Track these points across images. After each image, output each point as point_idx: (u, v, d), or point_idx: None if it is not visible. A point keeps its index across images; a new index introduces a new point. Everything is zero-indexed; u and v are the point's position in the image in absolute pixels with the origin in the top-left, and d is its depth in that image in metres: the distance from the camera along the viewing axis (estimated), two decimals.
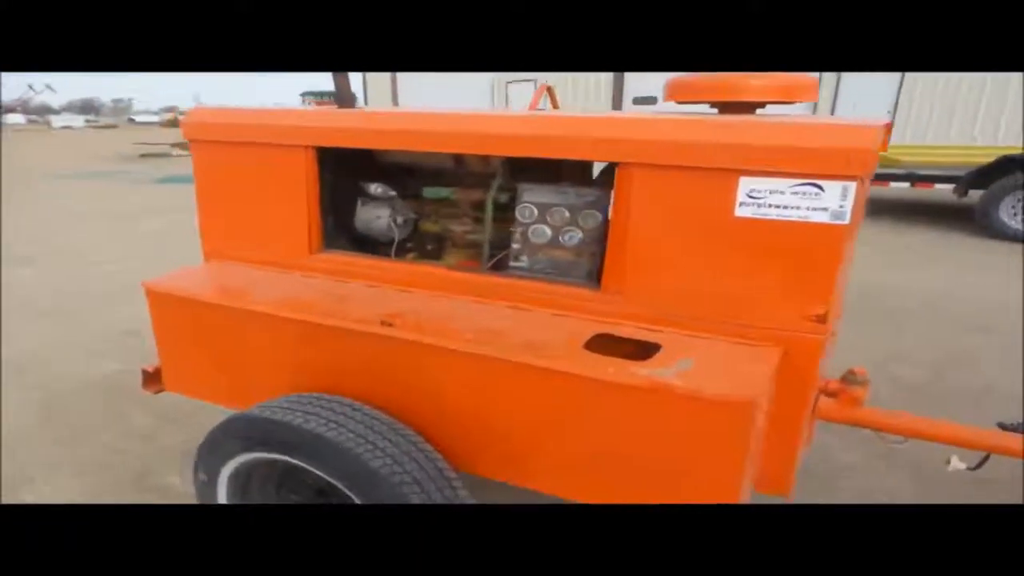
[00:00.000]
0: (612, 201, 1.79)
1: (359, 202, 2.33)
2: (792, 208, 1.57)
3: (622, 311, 1.80)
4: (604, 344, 1.70)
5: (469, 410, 1.74)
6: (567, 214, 1.93)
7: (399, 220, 2.30)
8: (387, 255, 2.27)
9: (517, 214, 2.00)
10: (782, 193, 1.57)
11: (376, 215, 2.29)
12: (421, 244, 2.35)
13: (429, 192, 2.26)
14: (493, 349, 1.66)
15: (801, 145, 1.53)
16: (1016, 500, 2.45)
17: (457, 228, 2.25)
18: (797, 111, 2.00)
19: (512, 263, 2.03)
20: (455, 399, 1.74)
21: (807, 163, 1.53)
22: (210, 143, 2.33)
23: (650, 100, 11.00)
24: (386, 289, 2.11)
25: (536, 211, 1.97)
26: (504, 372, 1.65)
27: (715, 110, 2.10)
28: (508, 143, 1.88)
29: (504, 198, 2.13)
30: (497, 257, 2.09)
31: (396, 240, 2.31)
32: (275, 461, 1.77)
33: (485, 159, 2.17)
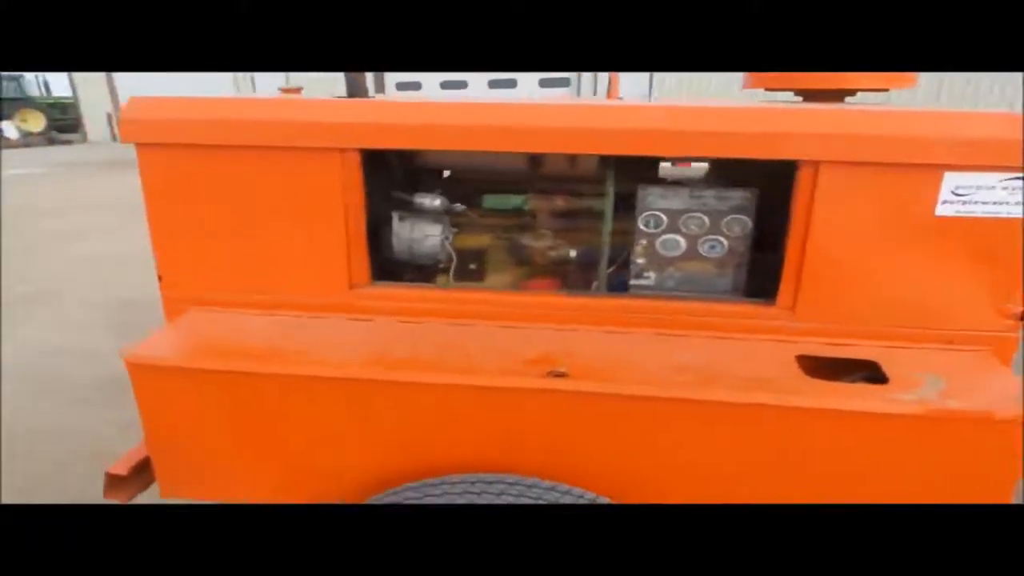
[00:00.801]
0: (791, 202, 1.55)
1: (395, 218, 1.82)
2: (1001, 204, 1.47)
3: (800, 328, 1.59)
4: (810, 368, 1.48)
5: (679, 466, 1.40)
6: (706, 221, 1.66)
7: (450, 238, 1.84)
8: (424, 283, 1.80)
9: (640, 224, 1.68)
10: (991, 188, 1.47)
11: (424, 233, 1.80)
12: (478, 265, 1.91)
13: (493, 201, 1.83)
14: (719, 392, 1.35)
15: (1015, 137, 1.44)
16: None
17: (535, 243, 1.85)
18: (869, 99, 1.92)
19: (634, 281, 1.71)
20: (660, 457, 1.40)
21: (1008, 156, 1.45)
22: (175, 148, 1.64)
23: (460, 84, 10.25)
24: (481, 327, 1.65)
25: (665, 219, 1.67)
26: (731, 416, 1.35)
27: (799, 98, 1.97)
28: (645, 140, 1.55)
29: (600, 204, 1.79)
30: (609, 271, 1.74)
31: (455, 264, 1.84)
32: None
33: (572, 159, 1.80)
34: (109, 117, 19.19)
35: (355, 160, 1.60)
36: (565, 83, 10.93)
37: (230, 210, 1.67)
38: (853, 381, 1.46)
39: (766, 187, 1.63)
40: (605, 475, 1.40)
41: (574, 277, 1.86)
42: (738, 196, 1.66)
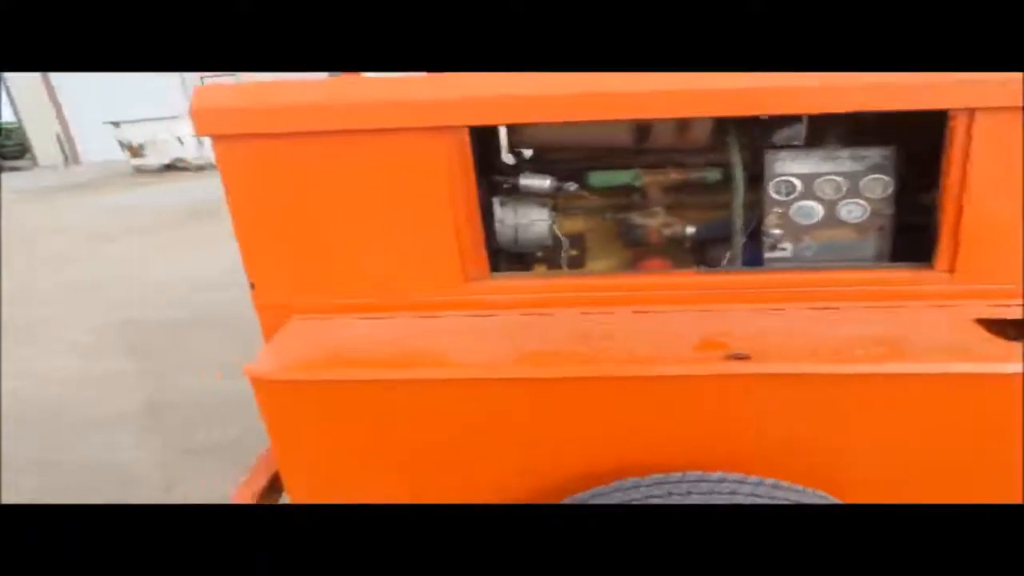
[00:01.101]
0: (943, 156, 1.45)
1: (496, 203, 1.67)
2: None
3: (960, 291, 1.49)
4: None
5: (879, 447, 1.29)
6: (843, 184, 1.55)
7: (555, 222, 1.70)
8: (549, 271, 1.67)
9: (770, 191, 1.56)
10: None
11: (531, 218, 1.65)
12: (580, 250, 1.77)
13: (600, 179, 1.69)
14: (919, 364, 1.24)
15: None
16: None
17: (648, 222, 1.71)
18: None
19: (769, 254, 1.59)
20: (862, 439, 1.28)
21: None
22: (261, 138, 1.47)
23: None
24: (619, 314, 1.52)
25: (798, 184, 1.55)
26: (932, 387, 1.24)
27: None
28: (793, 97, 1.43)
29: (716, 175, 1.67)
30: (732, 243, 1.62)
31: (565, 249, 1.70)
32: None
33: (684, 128, 1.67)
34: (59, 139, 18.50)
35: (465, 139, 1.45)
36: None
37: (326, 204, 1.51)
38: None
39: (906, 143, 1.53)
40: (809, 465, 1.28)
41: (687, 256, 1.74)
42: (876, 154, 1.55)
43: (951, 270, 1.48)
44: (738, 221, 1.58)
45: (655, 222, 1.70)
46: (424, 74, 1.54)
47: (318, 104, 1.45)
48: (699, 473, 1.17)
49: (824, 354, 1.27)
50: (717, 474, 1.17)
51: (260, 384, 1.29)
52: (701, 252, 1.73)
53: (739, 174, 1.56)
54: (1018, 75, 1.34)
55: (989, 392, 1.23)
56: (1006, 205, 1.43)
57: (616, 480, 1.24)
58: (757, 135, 1.64)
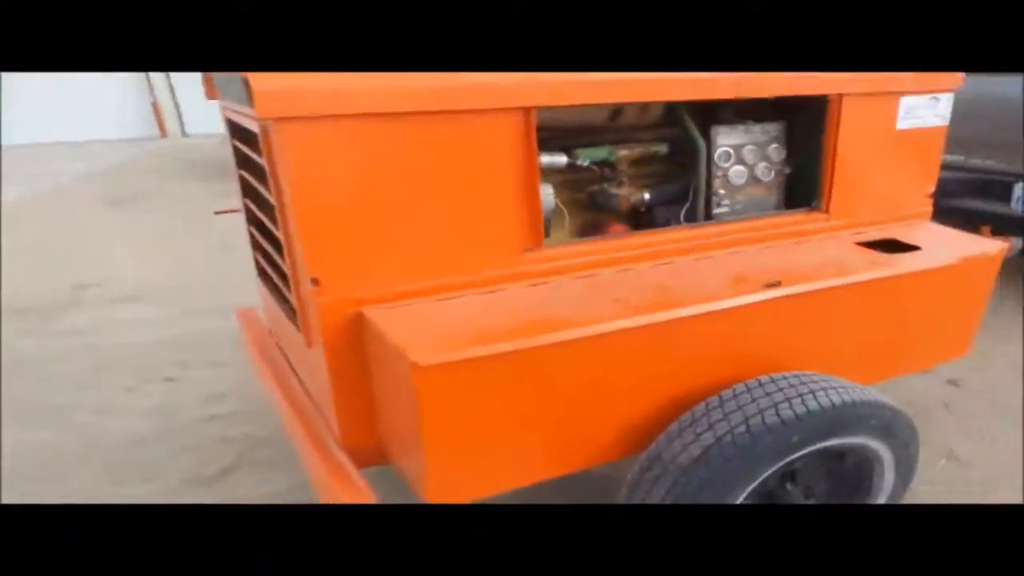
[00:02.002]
0: (823, 129, 2.03)
1: None
2: (923, 117, 2.17)
3: (834, 225, 2.11)
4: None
5: (855, 331, 1.83)
6: (757, 151, 2.06)
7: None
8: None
9: (716, 159, 1.99)
10: (919, 107, 2.16)
11: (543, 193, 1.82)
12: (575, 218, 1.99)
13: (587, 154, 1.92)
14: (883, 271, 1.80)
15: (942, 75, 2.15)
16: None
17: (621, 191, 2.00)
18: None
19: (716, 210, 2.03)
20: (840, 328, 1.80)
21: (938, 83, 2.14)
22: (327, 120, 1.39)
23: None
24: (644, 268, 1.81)
25: (732, 153, 2.02)
26: (872, 288, 1.81)
27: None
28: (732, 85, 1.87)
29: (663, 148, 2.04)
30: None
31: (568, 219, 1.90)
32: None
33: (645, 109, 2.00)
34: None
35: (532, 119, 1.57)
36: None
37: (392, 190, 1.48)
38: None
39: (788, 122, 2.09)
40: (824, 355, 1.74)
41: (646, 218, 2.08)
42: (774, 128, 2.07)
43: (828, 212, 2.08)
44: (702, 186, 1.97)
45: (624, 191, 2.00)
46: None
47: (389, 86, 1.42)
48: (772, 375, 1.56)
49: (820, 275, 1.74)
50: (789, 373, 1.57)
51: (420, 372, 1.27)
52: (650, 215, 2.08)
53: (700, 144, 1.95)
54: (873, 74, 1.97)
55: (889, 284, 1.83)
56: (856, 163, 2.07)
57: (718, 391, 1.55)
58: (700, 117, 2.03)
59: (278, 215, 1.53)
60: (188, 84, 13.67)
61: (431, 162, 1.50)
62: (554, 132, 1.89)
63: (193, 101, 13.78)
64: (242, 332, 2.46)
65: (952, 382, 2.86)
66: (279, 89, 1.32)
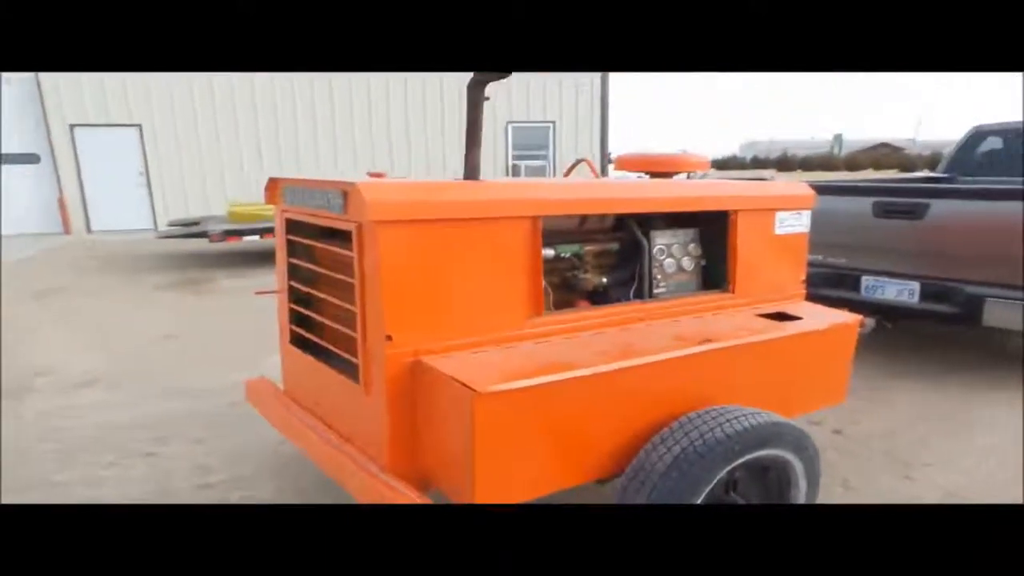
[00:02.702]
0: (728, 233, 2.78)
1: None
2: (792, 225, 3.00)
3: (738, 303, 2.84)
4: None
5: (764, 378, 2.50)
6: (682, 248, 2.78)
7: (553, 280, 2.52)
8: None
9: (654, 254, 2.69)
10: (788, 219, 2.98)
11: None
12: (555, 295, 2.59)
13: (564, 249, 2.56)
14: (771, 335, 2.50)
15: (800, 194, 2.99)
16: None
17: (588, 276, 2.64)
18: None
19: (656, 290, 2.70)
20: (754, 374, 2.47)
21: (799, 203, 2.99)
22: (409, 224, 1.97)
23: None
24: (612, 331, 2.43)
25: (665, 250, 2.73)
26: (775, 346, 2.52)
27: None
28: (666, 204, 2.61)
29: (615, 246, 2.72)
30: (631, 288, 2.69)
31: (551, 297, 2.51)
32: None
33: (602, 218, 2.68)
34: None
35: (539, 223, 2.20)
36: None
37: (447, 272, 2.05)
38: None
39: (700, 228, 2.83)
40: (743, 395, 2.39)
41: (603, 296, 2.72)
42: (690, 232, 2.81)
43: (734, 292, 2.81)
44: (647, 273, 2.65)
45: (589, 276, 2.65)
46: (511, 179, 2.22)
47: (447, 201, 2.02)
48: (715, 407, 2.19)
49: (737, 335, 2.41)
50: (728, 407, 2.20)
51: (487, 401, 1.80)
52: (607, 294, 2.73)
53: (644, 243, 2.64)
54: (753, 194, 2.76)
55: (787, 343, 2.54)
56: (750, 257, 2.83)
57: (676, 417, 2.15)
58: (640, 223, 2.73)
59: (358, 291, 2.03)
60: (95, 181, 13.68)
61: (471, 253, 2.08)
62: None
63: (99, 198, 13.78)
64: (256, 398, 2.85)
65: (837, 431, 3.61)
66: (382, 200, 1.88)
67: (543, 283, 2.38)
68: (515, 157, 17.12)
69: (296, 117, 14.93)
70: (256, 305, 6.97)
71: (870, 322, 4.56)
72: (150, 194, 14.39)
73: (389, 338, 1.97)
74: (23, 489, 2.96)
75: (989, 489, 2.98)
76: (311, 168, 15.06)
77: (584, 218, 2.64)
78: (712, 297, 2.78)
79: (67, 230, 13.48)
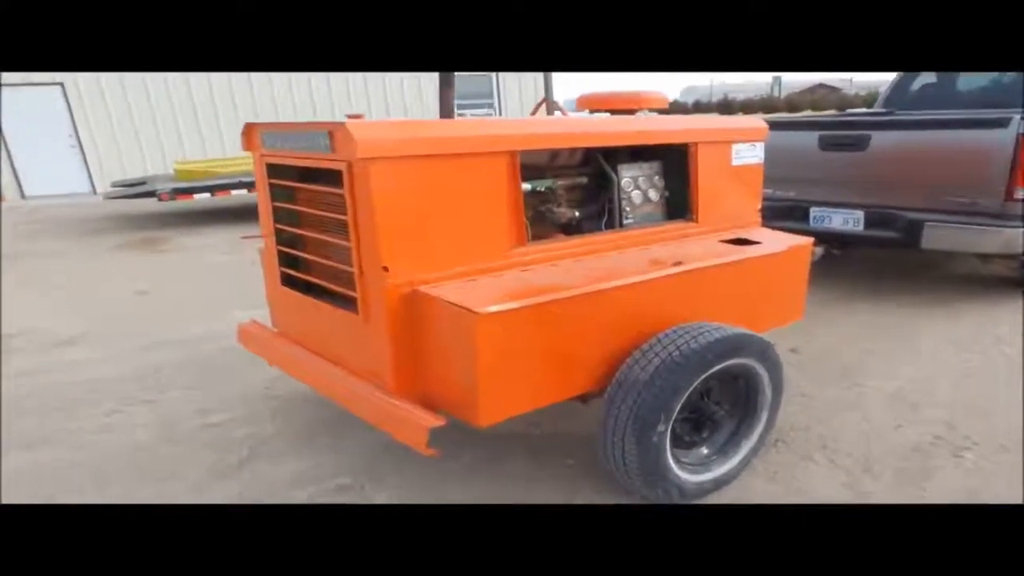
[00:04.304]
0: (688, 166, 2.95)
1: None
2: (748, 157, 3.19)
3: (702, 230, 3.03)
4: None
5: (729, 298, 2.70)
6: (647, 180, 2.94)
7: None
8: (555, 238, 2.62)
9: (623, 185, 2.85)
10: (744, 151, 3.17)
11: None
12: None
13: (537, 184, 2.70)
14: (735, 257, 2.70)
15: (754, 127, 3.17)
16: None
17: (561, 210, 2.79)
18: None
19: (625, 221, 2.87)
20: (721, 294, 2.67)
21: (753, 135, 3.18)
22: (399, 160, 2.08)
23: None
24: (590, 260, 2.59)
25: (632, 182, 2.89)
26: (740, 267, 2.72)
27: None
28: (632, 137, 2.77)
29: (584, 180, 2.87)
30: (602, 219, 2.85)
31: (529, 228, 2.65)
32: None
33: (571, 153, 2.82)
34: None
35: (517, 158, 2.32)
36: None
37: (435, 206, 2.17)
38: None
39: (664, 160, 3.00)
40: (712, 314, 2.59)
41: (576, 228, 2.87)
42: (654, 165, 2.98)
43: (697, 221, 3.00)
44: (616, 205, 2.81)
45: (563, 210, 2.79)
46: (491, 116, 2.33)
47: (434, 137, 2.13)
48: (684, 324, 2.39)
49: (705, 257, 2.61)
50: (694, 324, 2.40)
51: (487, 321, 1.95)
52: (579, 226, 2.88)
53: (612, 177, 2.79)
54: (713, 127, 2.93)
55: (750, 264, 2.75)
56: (710, 187, 3.01)
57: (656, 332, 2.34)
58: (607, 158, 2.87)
59: (351, 227, 2.14)
60: (21, 144, 13.10)
61: (456, 187, 2.20)
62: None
63: (29, 162, 13.23)
64: (250, 340, 2.95)
65: (793, 350, 3.89)
66: (371, 138, 1.98)
67: (523, 216, 2.52)
68: (459, 107, 17.13)
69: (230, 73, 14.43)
70: (222, 261, 6.98)
71: (819, 250, 4.86)
72: (83, 155, 13.87)
73: (386, 269, 2.09)
74: (36, 443, 3.03)
75: (929, 390, 3.31)
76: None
77: (555, 154, 2.77)
78: (677, 226, 2.96)
79: (0, 198, 12.96)
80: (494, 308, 1.99)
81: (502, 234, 2.35)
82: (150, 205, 10.32)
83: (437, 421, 2.04)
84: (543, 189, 2.70)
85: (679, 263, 2.51)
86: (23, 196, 13.31)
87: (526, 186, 2.59)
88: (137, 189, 9.42)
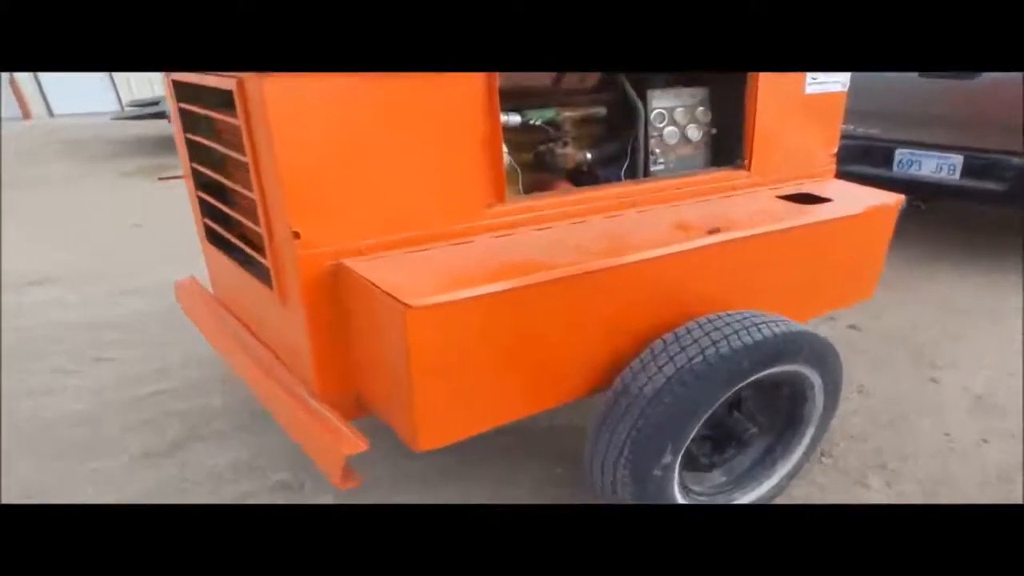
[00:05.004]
0: (744, 99, 2.22)
1: None
2: (827, 82, 2.42)
3: (755, 181, 2.32)
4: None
5: (780, 275, 2.04)
6: (687, 113, 2.24)
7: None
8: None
9: (652, 120, 2.16)
10: (823, 73, 2.40)
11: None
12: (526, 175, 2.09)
13: (536, 115, 2.04)
14: (795, 222, 2.01)
15: None
16: None
17: (567, 151, 2.12)
18: None
19: (653, 167, 2.19)
20: (769, 271, 2.00)
21: None
22: (305, 78, 1.45)
23: None
24: (597, 220, 1.94)
25: (666, 115, 2.19)
26: (807, 235, 2.03)
27: None
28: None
29: (601, 111, 2.19)
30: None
31: (520, 176, 2.01)
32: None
33: (583, 75, 2.13)
34: None
35: (494, 81, 1.66)
36: None
37: (369, 145, 1.55)
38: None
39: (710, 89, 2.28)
40: (758, 295, 1.93)
41: (588, 176, 2.22)
42: (700, 92, 2.26)
43: (750, 169, 2.29)
44: (641, 145, 2.13)
45: (569, 151, 2.13)
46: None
47: None
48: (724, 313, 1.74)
49: (754, 222, 1.93)
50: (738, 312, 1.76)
51: (417, 313, 1.35)
52: (592, 173, 2.22)
53: (639, 107, 2.10)
54: None
55: (813, 232, 2.06)
56: (772, 127, 2.29)
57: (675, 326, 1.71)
58: (635, 82, 2.18)
59: (252, 173, 1.55)
60: None
61: (404, 120, 1.57)
62: (507, 94, 1.99)
63: (57, 79, 12.88)
64: (186, 303, 2.43)
65: (853, 327, 3.19)
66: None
67: (506, 160, 1.88)
68: None
69: None
70: None
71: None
72: (111, 74, 13.33)
73: (297, 235, 1.50)
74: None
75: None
76: None
77: (560, 74, 2.09)
78: (723, 175, 2.26)
79: (26, 115, 12.70)
80: (432, 299, 1.39)
81: (472, 186, 1.72)
82: (170, 128, 9.87)
83: (356, 447, 1.49)
84: (539, 123, 2.03)
85: (716, 230, 1.85)
86: (51, 114, 13.05)
87: (514, 118, 1.94)
88: (148, 110, 8.86)
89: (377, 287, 1.44)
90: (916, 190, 4.15)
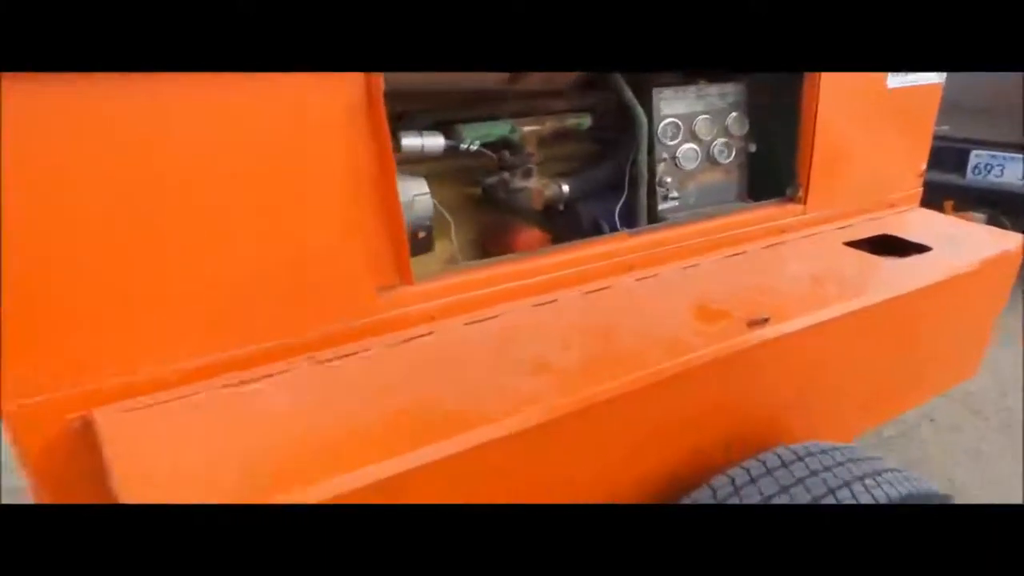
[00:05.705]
0: (800, 106, 1.49)
1: None
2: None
3: (811, 219, 1.59)
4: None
5: (856, 369, 1.32)
6: (713, 123, 1.51)
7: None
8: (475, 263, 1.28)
9: (660, 135, 1.43)
10: None
11: (411, 193, 1.20)
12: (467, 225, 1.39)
13: (475, 132, 1.32)
14: (898, 287, 1.29)
15: None
16: None
17: (530, 183, 1.40)
18: None
19: (663, 205, 1.47)
20: (840, 366, 1.29)
21: None
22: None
23: None
24: (572, 297, 1.23)
25: (682, 126, 1.46)
26: (895, 308, 1.31)
27: None
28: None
29: (584, 121, 1.47)
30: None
31: (453, 229, 1.31)
32: None
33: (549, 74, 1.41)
34: None
35: (377, 82, 0.96)
36: None
37: (139, 193, 0.85)
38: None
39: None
40: (825, 402, 1.22)
41: (566, 219, 1.50)
42: (735, 90, 1.53)
43: (805, 202, 1.56)
44: (643, 170, 1.41)
45: (534, 183, 1.40)
46: None
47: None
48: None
49: (813, 303, 1.21)
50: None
51: None
52: (572, 214, 1.51)
53: (638, 113, 1.37)
54: None
55: (904, 302, 1.33)
56: (838, 143, 1.56)
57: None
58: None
59: None
60: None
61: (210, 149, 0.87)
62: (423, 101, 1.28)
63: None
64: None
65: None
66: None
67: (426, 205, 1.18)
68: None
69: None
70: None
71: (979, 217, 3.25)
72: None
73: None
74: None
75: None
76: None
77: (514, 76, 1.36)
78: (767, 212, 1.54)
79: None
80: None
81: (347, 262, 1.02)
82: None
83: None
84: (475, 146, 1.31)
85: (762, 320, 1.12)
86: None
87: (435, 140, 1.23)
88: None
89: (113, 475, 0.75)
90: (997, 202, 3.36)
